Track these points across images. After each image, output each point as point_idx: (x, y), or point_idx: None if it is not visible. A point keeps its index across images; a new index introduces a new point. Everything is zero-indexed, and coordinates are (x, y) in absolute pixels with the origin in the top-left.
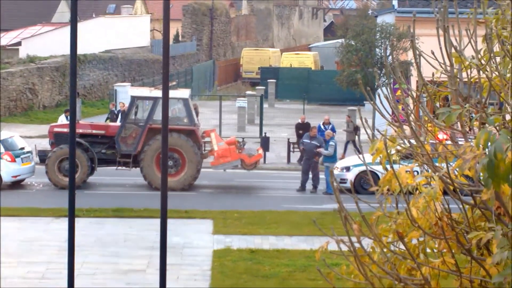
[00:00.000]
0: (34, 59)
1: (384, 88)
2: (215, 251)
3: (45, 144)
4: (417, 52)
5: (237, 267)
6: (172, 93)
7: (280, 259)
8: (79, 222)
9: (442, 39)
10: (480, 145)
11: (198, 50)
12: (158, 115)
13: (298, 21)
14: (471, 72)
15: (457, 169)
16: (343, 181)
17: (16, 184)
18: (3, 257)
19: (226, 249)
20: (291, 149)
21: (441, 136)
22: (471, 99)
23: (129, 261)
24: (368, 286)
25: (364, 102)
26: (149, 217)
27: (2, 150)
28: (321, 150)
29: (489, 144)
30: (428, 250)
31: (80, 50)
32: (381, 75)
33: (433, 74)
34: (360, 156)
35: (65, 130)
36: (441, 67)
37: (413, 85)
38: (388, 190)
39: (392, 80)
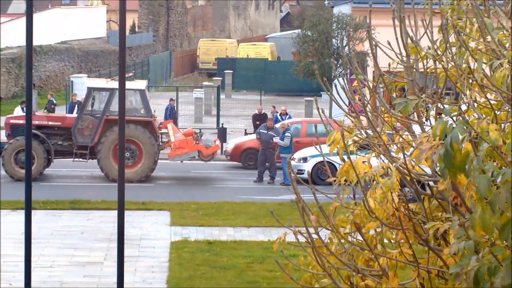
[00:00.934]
0: None
1: (340, 79)
2: (173, 242)
3: (1, 136)
4: (374, 43)
5: (194, 258)
6: (129, 84)
7: (237, 251)
8: (35, 215)
9: (398, 29)
10: (437, 136)
11: (155, 41)
12: (114, 107)
13: (254, 12)
14: (427, 63)
15: (414, 160)
16: (300, 171)
17: None
18: None
19: (183, 240)
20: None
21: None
22: (427, 89)
23: (86, 253)
24: (326, 277)
25: (321, 92)
26: (106, 209)
27: None
28: (277, 140)
29: (446, 134)
30: (386, 241)
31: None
32: (338, 65)
33: (389, 65)
34: (317, 146)
35: (21, 121)
36: (397, 57)
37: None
38: (345, 181)
39: (348, 71)
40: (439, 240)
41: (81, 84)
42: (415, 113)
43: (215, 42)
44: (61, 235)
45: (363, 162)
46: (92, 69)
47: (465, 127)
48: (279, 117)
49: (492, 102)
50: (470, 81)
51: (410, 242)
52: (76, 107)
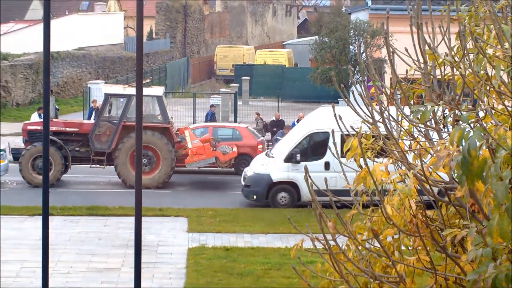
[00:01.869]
0: (7, 57)
1: (358, 86)
2: (190, 249)
3: (18, 142)
4: (391, 50)
5: (212, 265)
6: (146, 91)
7: (255, 257)
8: (53, 221)
9: (415, 36)
10: (454, 142)
11: (172, 48)
12: (132, 113)
13: (272, 18)
14: (444, 69)
15: (431, 167)
16: None
17: None
18: None
19: (200, 247)
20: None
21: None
22: (445, 96)
23: (103, 259)
24: (343, 284)
25: (338, 99)
26: (123, 215)
27: None
28: None
29: (463, 141)
30: (403, 248)
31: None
32: (355, 72)
33: (407, 72)
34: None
35: (39, 128)
36: (415, 64)
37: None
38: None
39: (366, 78)
40: (457, 247)
41: (99, 90)
42: (432, 120)
43: (232, 49)
44: (78, 241)
45: (380, 169)
46: (110, 76)
47: (482, 134)
48: (296, 124)
49: (509, 109)
50: (488, 88)
51: (428, 249)
52: (94, 113)
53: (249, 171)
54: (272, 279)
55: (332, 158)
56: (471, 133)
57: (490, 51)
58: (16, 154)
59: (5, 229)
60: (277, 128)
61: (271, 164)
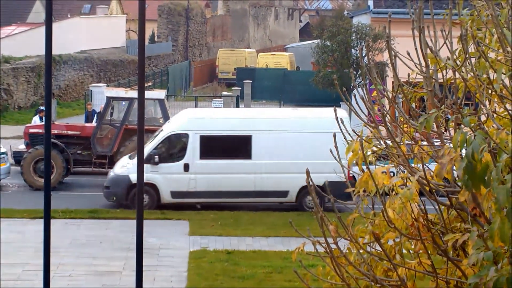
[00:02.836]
0: (9, 60)
1: (360, 89)
2: (192, 252)
3: (20, 145)
4: (393, 53)
5: (213, 268)
6: (148, 94)
7: (256, 260)
8: (54, 224)
9: (417, 40)
10: (457, 147)
11: (174, 51)
12: (134, 116)
13: (274, 22)
14: (446, 73)
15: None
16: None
17: None
18: None
19: (202, 250)
20: None
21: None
22: (447, 100)
23: (105, 262)
24: (344, 287)
25: (340, 103)
26: (125, 218)
27: None
28: None
29: (465, 145)
30: (405, 251)
31: (55, 51)
32: (357, 76)
33: (408, 75)
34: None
35: (40, 131)
36: (417, 68)
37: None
38: (364, 191)
39: (368, 81)
40: (458, 250)
41: (100, 93)
42: (434, 123)
43: (234, 52)
44: (80, 244)
45: (382, 172)
46: (111, 79)
47: (484, 138)
48: None
49: (511, 112)
50: (490, 91)
51: (429, 252)
52: (95, 116)
53: (111, 172)
54: (273, 282)
55: (191, 159)
56: (474, 137)
57: (492, 54)
58: (18, 157)
59: (7, 232)
60: None
61: (131, 166)
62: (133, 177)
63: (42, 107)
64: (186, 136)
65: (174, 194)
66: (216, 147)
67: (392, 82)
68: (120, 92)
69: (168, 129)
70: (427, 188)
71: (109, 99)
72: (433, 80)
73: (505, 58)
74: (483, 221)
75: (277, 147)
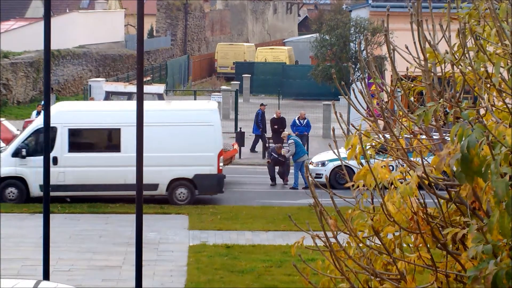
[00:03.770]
0: (8, 55)
1: (358, 83)
2: (191, 246)
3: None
4: (391, 47)
5: (213, 262)
6: (147, 89)
7: (256, 255)
8: (54, 219)
9: (416, 33)
10: (455, 139)
11: (173, 45)
12: None
13: (272, 16)
14: (445, 67)
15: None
16: (318, 176)
17: None
18: None
19: (201, 244)
20: (266, 144)
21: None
22: (445, 93)
23: (105, 257)
24: (344, 281)
25: (339, 96)
26: (124, 213)
27: None
28: (285, 152)
29: (464, 138)
30: (404, 245)
31: (54, 45)
32: (356, 69)
33: (407, 69)
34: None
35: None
36: (415, 61)
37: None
38: (364, 185)
39: (366, 75)
40: (458, 244)
41: (99, 88)
42: (433, 117)
43: (233, 46)
44: (79, 239)
45: (382, 166)
46: (110, 73)
47: (483, 132)
48: (297, 121)
49: (510, 106)
50: (488, 85)
51: (428, 246)
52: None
53: None
54: (273, 276)
55: (60, 153)
56: (471, 131)
57: (490, 48)
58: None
59: (6, 227)
60: (278, 125)
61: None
62: (3, 171)
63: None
64: (54, 129)
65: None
66: (85, 140)
67: (391, 76)
68: (119, 86)
69: (37, 122)
70: (426, 182)
71: (108, 94)
72: (432, 74)
73: (503, 51)
74: (482, 214)
75: (147, 140)
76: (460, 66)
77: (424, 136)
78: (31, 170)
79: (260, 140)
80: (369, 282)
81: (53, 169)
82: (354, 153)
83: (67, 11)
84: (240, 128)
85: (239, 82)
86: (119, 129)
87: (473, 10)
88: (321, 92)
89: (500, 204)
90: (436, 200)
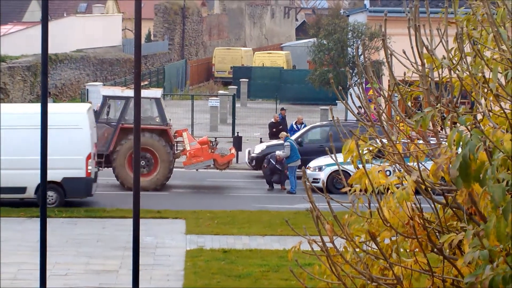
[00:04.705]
0: (5, 59)
1: (356, 88)
2: (188, 251)
3: None
4: (389, 52)
5: (210, 267)
6: (144, 93)
7: (253, 259)
8: (51, 223)
9: (413, 38)
10: (453, 145)
11: (170, 50)
12: (130, 115)
13: (270, 20)
14: (442, 72)
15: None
16: (315, 180)
17: None
18: None
19: (198, 249)
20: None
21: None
22: (443, 98)
23: (101, 261)
24: (341, 286)
25: (336, 101)
26: (121, 217)
27: None
28: (279, 153)
29: (461, 144)
30: (401, 250)
31: (51, 50)
32: (353, 74)
33: (404, 74)
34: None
35: None
36: (413, 66)
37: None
38: (360, 190)
39: (364, 80)
40: (454, 249)
41: (97, 92)
42: (430, 122)
43: (230, 51)
44: (76, 243)
45: (378, 171)
46: (108, 78)
47: (480, 137)
48: (294, 126)
49: (507, 111)
50: (485, 90)
51: (425, 251)
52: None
53: None
54: (270, 281)
55: None
56: (470, 136)
57: (487, 53)
58: None
59: (3, 231)
60: (276, 130)
61: None
62: None
63: None
64: None
65: None
66: None
67: (388, 80)
68: (117, 91)
69: None
70: (423, 187)
71: (106, 98)
72: (429, 79)
73: (500, 56)
74: (479, 219)
75: (17, 142)
76: (457, 71)
77: (421, 141)
78: None
79: None
80: (366, 287)
81: None
82: (351, 155)
83: (65, 15)
84: (238, 132)
85: (236, 87)
86: None
87: (471, 15)
88: (319, 97)
89: (497, 209)
90: (432, 205)
